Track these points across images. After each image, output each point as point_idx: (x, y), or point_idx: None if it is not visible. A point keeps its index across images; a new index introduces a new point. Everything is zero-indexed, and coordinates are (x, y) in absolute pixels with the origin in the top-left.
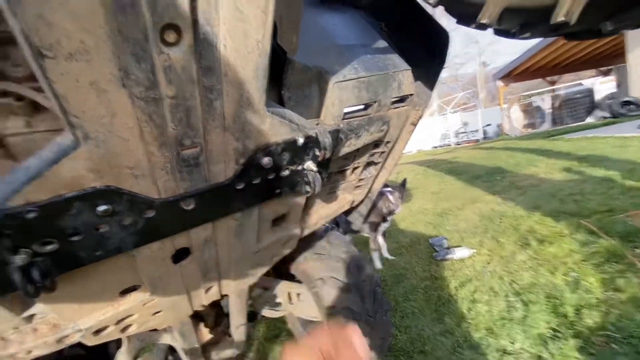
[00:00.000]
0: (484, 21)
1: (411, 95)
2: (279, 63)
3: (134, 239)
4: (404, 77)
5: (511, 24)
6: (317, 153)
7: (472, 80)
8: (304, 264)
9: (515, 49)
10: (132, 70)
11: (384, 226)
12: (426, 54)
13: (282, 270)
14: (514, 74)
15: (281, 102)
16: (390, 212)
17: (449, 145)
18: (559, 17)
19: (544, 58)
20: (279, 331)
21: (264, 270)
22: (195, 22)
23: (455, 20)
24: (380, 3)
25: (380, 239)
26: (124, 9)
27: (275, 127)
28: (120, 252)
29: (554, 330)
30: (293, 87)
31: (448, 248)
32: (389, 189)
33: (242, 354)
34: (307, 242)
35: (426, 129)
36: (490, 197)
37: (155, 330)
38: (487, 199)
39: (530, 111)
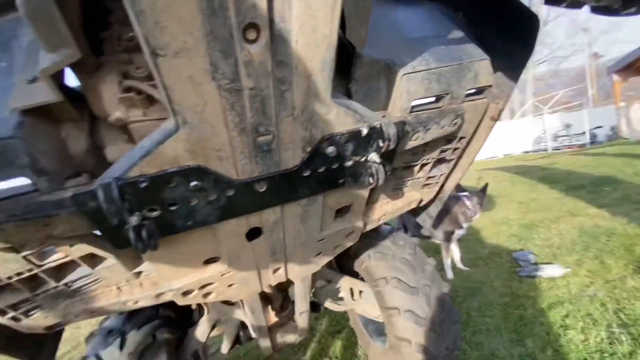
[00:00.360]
0: None
1: (489, 86)
2: (347, 57)
3: (216, 214)
4: (481, 68)
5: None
6: (381, 144)
7: (578, 76)
8: (367, 262)
9: (636, 36)
10: (220, 65)
11: (458, 234)
12: (510, 42)
13: (345, 266)
14: (636, 65)
15: (349, 95)
16: (467, 219)
17: (545, 150)
18: None
19: None
20: (341, 327)
21: (326, 259)
22: (271, 21)
23: (543, 1)
24: None
25: (453, 248)
26: (215, 12)
27: (340, 117)
28: (206, 225)
29: None
30: (361, 80)
31: (535, 264)
32: (467, 193)
33: (304, 343)
34: (371, 240)
35: (517, 131)
36: (595, 210)
37: (230, 304)
38: (591, 213)
39: None
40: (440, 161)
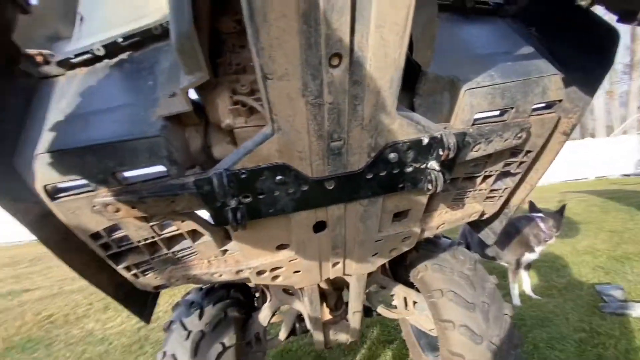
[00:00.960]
0: None
1: (559, 101)
2: (413, 73)
3: (292, 205)
4: (551, 82)
5: None
6: (441, 153)
7: None
8: (424, 272)
9: None
10: (309, 85)
11: (529, 257)
12: (587, 56)
13: (401, 276)
14: None
15: (412, 108)
16: (540, 242)
17: None
18: None
19: None
20: (393, 337)
21: (382, 260)
22: (352, 50)
23: (616, 18)
24: (530, 8)
25: (522, 272)
26: (310, 46)
27: (403, 127)
28: (283, 213)
29: None
30: (424, 96)
31: (624, 301)
32: (541, 214)
33: (354, 348)
34: (429, 252)
35: (615, 150)
36: None
37: (290, 295)
38: None
39: None
40: (504, 174)
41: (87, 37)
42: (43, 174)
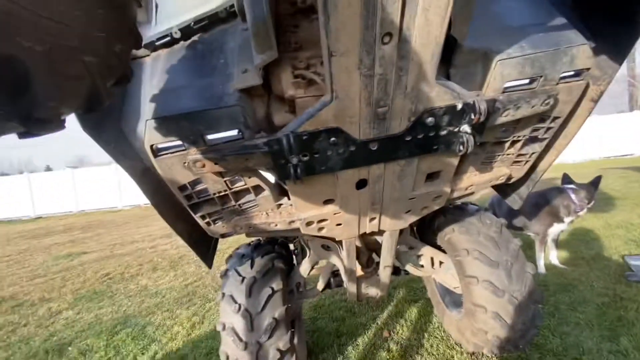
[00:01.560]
0: None
1: (588, 69)
2: (450, 46)
3: (341, 164)
4: (579, 52)
5: None
6: (472, 117)
7: None
8: (451, 234)
9: None
10: (364, 60)
11: (558, 228)
12: (616, 24)
13: (429, 240)
14: None
15: (448, 77)
16: (570, 213)
17: None
18: None
19: None
20: (418, 297)
21: (414, 218)
22: (401, 30)
23: None
24: None
25: (550, 244)
26: (367, 27)
27: (440, 95)
28: (332, 171)
29: None
30: (459, 66)
31: None
32: (573, 186)
33: (382, 305)
34: (456, 216)
35: None
36: None
37: (328, 250)
38: None
39: None
40: (532, 139)
41: (164, 22)
42: (150, 135)
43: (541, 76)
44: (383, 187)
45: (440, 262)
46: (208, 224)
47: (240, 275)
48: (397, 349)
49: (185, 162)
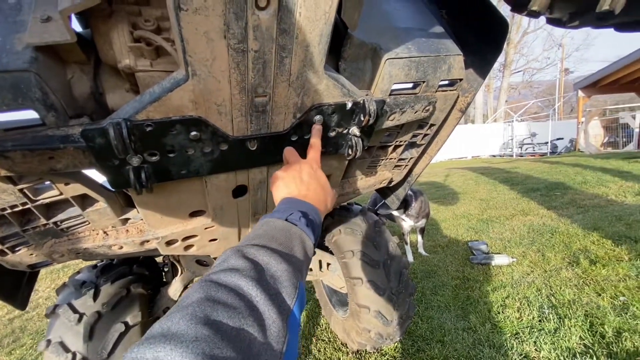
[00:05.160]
0: (534, 8)
1: (460, 79)
2: (339, 37)
3: (209, 166)
4: (455, 62)
5: (561, 12)
6: (362, 119)
7: (549, 89)
8: (338, 236)
9: (606, 56)
10: (232, 26)
11: (406, 225)
12: (482, 41)
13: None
14: (600, 84)
15: (337, 71)
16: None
17: (511, 156)
18: (604, 5)
19: None
20: (307, 299)
21: None
22: None
23: (509, 8)
24: None
25: (418, 234)
26: None
27: (329, 89)
28: (198, 175)
29: (587, 347)
30: (349, 60)
31: (487, 253)
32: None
33: None
34: (342, 218)
35: (486, 135)
36: (545, 211)
37: (205, 266)
38: (541, 213)
39: (614, 128)
40: (411, 145)
41: None
42: None
43: (424, 81)
44: (267, 195)
45: (328, 264)
46: (1, 252)
47: (76, 311)
48: None
49: None
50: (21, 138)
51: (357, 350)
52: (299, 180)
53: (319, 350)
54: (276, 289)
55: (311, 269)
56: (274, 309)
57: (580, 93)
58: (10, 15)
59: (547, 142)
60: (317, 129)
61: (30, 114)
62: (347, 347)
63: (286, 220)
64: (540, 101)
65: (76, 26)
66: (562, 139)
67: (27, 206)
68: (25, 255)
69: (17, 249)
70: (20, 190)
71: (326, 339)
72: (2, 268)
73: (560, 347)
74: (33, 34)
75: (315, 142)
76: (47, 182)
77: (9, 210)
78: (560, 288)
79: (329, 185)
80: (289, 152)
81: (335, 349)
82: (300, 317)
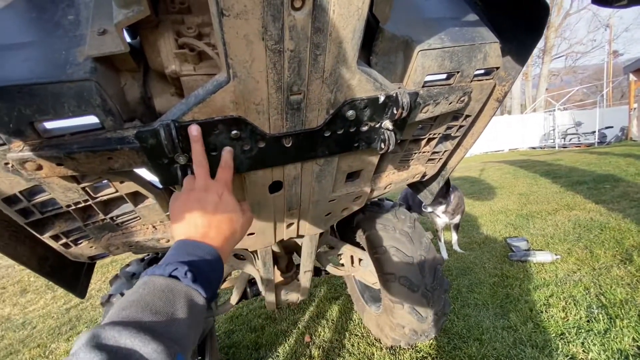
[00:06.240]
0: None
1: (497, 68)
2: (371, 31)
3: (248, 163)
4: (491, 50)
5: None
6: (395, 112)
7: (596, 74)
8: (369, 232)
9: None
10: (269, 27)
11: (441, 222)
12: (520, 27)
13: (348, 237)
14: None
15: (369, 66)
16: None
17: (553, 147)
18: None
19: None
20: (339, 294)
21: (334, 220)
22: None
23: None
24: None
25: (452, 230)
26: None
27: (362, 84)
28: (238, 172)
29: None
30: (380, 54)
31: (528, 250)
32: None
33: (302, 306)
34: (374, 213)
35: (524, 126)
36: (593, 205)
37: (242, 259)
38: (588, 207)
39: None
40: (446, 137)
41: None
42: None
43: (458, 72)
44: (301, 190)
45: (360, 260)
46: (66, 245)
47: None
48: (319, 353)
49: (6, 163)
50: (84, 141)
51: (391, 346)
52: (200, 213)
53: (353, 345)
54: None
55: (342, 265)
56: None
57: (632, 77)
58: (71, 30)
59: (594, 132)
60: (227, 150)
61: (91, 119)
62: (381, 343)
63: (170, 275)
64: (586, 87)
65: (126, 37)
66: (611, 127)
67: (88, 203)
68: (86, 248)
69: (79, 242)
70: (83, 189)
71: (359, 334)
72: (64, 260)
73: (611, 348)
74: (92, 47)
75: (226, 161)
76: (105, 181)
77: (73, 207)
78: (611, 287)
79: (239, 211)
80: (191, 177)
81: (369, 344)
82: None
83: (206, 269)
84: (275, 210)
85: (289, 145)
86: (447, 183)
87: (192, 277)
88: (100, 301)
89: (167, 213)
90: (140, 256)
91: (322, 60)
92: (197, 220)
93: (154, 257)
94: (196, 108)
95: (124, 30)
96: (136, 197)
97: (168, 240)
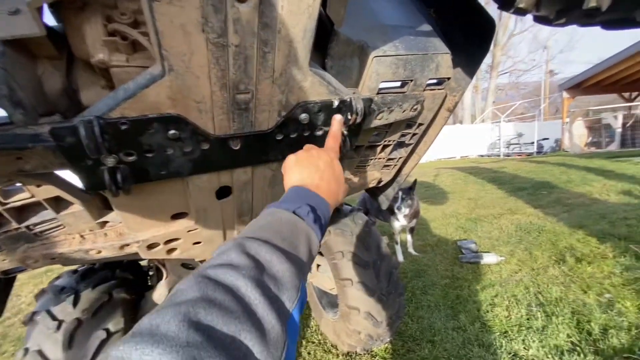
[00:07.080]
0: (521, 6)
1: (448, 78)
2: (326, 34)
3: (190, 166)
4: (443, 60)
5: (548, 10)
6: (349, 117)
7: (535, 90)
8: (327, 237)
9: (590, 58)
10: (210, 19)
11: (398, 224)
12: (470, 41)
13: None
14: (584, 86)
15: (323, 70)
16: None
17: (498, 155)
18: (591, 2)
19: (623, 71)
20: None
21: None
22: None
23: (497, 5)
24: None
25: (407, 233)
26: None
27: (315, 87)
28: (179, 176)
29: (574, 344)
30: (336, 58)
31: (476, 252)
32: (401, 193)
33: None
34: (332, 218)
35: (474, 135)
36: (532, 210)
37: (190, 269)
38: (528, 212)
39: (597, 128)
40: (400, 144)
41: None
42: None
43: (412, 80)
44: (252, 196)
45: (318, 265)
46: None
47: (55, 318)
48: None
49: None
50: None
51: (348, 352)
52: (314, 168)
53: (309, 353)
54: (276, 291)
55: None
56: (273, 314)
57: (565, 94)
58: None
59: (533, 142)
60: (337, 119)
61: None
62: (338, 349)
63: (294, 212)
64: (527, 102)
65: (50, 20)
66: (547, 139)
67: None
68: None
69: None
70: None
71: (316, 341)
72: None
73: (549, 344)
74: (0, 27)
75: (335, 131)
76: (19, 184)
77: None
78: (548, 286)
79: (343, 178)
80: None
81: (326, 351)
82: (299, 320)
83: (321, 215)
84: (224, 218)
85: (238, 147)
86: (413, 186)
87: (313, 218)
88: (23, 320)
89: (98, 221)
90: (72, 268)
91: (272, 59)
92: (312, 173)
93: (88, 269)
94: (126, 103)
95: (41, 10)
96: (58, 203)
97: (100, 251)
